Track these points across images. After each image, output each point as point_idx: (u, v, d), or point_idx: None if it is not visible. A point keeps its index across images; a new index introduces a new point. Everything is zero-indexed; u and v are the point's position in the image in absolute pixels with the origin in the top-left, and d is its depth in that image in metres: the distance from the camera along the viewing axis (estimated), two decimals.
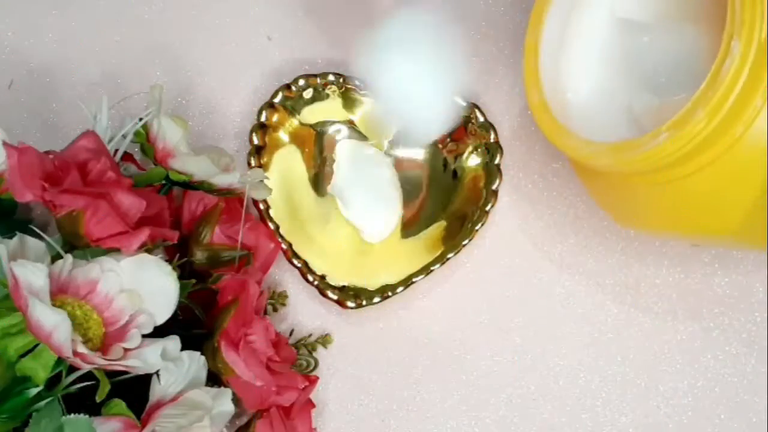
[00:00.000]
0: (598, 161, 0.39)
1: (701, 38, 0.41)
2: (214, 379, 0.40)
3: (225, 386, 0.40)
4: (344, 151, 0.51)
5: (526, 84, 0.44)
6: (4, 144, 0.38)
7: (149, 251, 0.37)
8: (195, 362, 0.38)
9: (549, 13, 0.43)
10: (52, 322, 0.32)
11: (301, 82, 0.51)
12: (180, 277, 0.37)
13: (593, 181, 0.46)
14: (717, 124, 0.34)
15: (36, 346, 0.34)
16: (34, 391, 0.35)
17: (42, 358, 0.34)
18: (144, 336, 0.36)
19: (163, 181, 0.44)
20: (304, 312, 0.50)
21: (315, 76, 0.51)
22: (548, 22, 0.43)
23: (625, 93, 0.44)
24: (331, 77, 0.50)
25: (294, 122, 0.51)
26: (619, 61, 0.44)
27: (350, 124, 0.52)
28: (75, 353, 0.33)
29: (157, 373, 0.36)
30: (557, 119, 0.42)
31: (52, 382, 0.35)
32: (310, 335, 0.50)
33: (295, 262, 0.49)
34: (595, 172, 0.43)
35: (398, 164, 0.51)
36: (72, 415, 0.35)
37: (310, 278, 0.49)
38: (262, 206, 0.49)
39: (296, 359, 0.47)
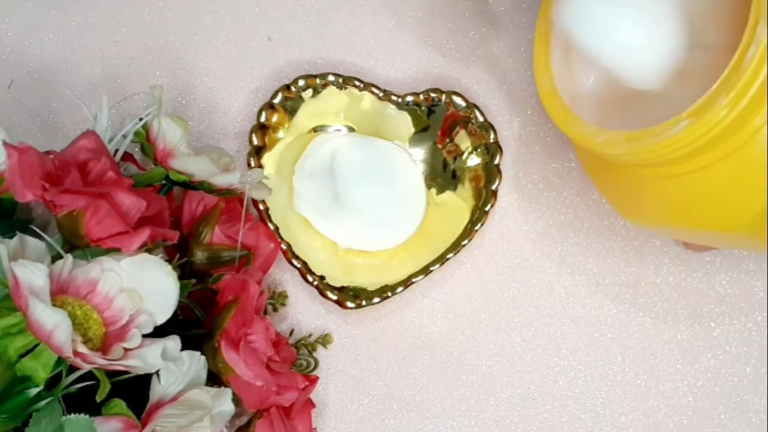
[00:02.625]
0: (611, 150, 0.38)
1: (713, 36, 0.40)
2: (214, 379, 0.40)
3: (225, 386, 0.40)
4: (355, 149, 0.51)
5: (536, 71, 0.43)
6: (5, 144, 0.37)
7: (149, 251, 0.37)
8: (195, 362, 0.37)
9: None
10: (53, 322, 0.32)
11: (301, 82, 0.50)
12: (180, 277, 0.37)
13: (601, 173, 0.45)
14: (739, 112, 0.33)
15: (36, 346, 0.34)
16: (34, 391, 0.35)
17: (42, 357, 0.34)
18: (144, 336, 0.36)
19: (163, 181, 0.44)
20: (304, 312, 0.50)
21: (315, 76, 0.51)
22: None
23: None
24: (331, 77, 0.50)
25: (294, 123, 0.51)
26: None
27: (350, 125, 0.52)
28: (75, 353, 0.33)
29: (157, 373, 0.36)
30: (568, 107, 0.41)
31: (52, 382, 0.35)
32: (310, 335, 0.50)
33: (295, 262, 0.49)
34: (603, 163, 0.42)
35: None
36: (72, 415, 0.35)
37: (310, 278, 0.49)
38: (261, 206, 0.49)
39: (296, 359, 0.47)
